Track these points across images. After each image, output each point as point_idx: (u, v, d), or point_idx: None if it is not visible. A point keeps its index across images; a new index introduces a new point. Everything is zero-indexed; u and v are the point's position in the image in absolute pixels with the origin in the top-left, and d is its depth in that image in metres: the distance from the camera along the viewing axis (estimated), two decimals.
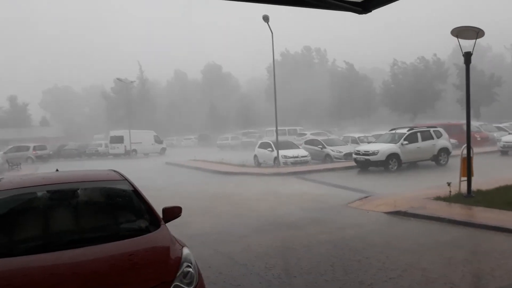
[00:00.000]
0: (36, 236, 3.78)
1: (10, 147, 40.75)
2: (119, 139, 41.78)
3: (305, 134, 36.61)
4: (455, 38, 10.34)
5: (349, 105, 61.14)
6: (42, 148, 40.93)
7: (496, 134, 28.05)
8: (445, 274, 5.49)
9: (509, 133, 25.05)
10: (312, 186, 14.98)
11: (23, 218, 3.99)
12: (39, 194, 4.23)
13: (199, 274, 3.58)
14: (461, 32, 10.17)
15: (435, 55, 60.02)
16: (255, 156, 24.59)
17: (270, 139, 28.40)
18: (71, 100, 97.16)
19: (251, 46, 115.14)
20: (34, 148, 39.71)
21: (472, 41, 10.30)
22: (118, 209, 4.45)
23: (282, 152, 22.19)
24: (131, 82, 57.12)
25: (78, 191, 4.36)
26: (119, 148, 41.55)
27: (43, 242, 3.68)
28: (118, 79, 51.75)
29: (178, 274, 3.33)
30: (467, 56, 10.34)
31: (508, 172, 14.24)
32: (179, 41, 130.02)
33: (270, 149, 23.21)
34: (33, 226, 3.91)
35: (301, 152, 22.82)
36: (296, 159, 22.01)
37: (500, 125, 32.62)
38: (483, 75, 49.96)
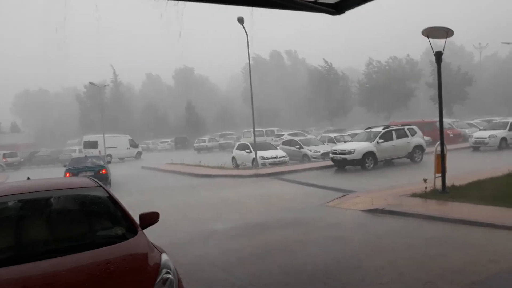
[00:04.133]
0: (8, 248, 3.66)
1: None
2: (93, 144, 40.91)
3: (282, 135, 36.76)
4: (427, 38, 10.57)
5: (325, 105, 61.71)
6: (13, 155, 39.78)
7: (468, 131, 28.84)
8: (422, 270, 5.58)
9: (480, 129, 25.80)
10: (291, 187, 15.03)
11: None
12: (10, 204, 4.08)
13: (179, 280, 3.53)
14: (431, 32, 10.40)
15: (407, 55, 61.32)
16: (233, 158, 24.53)
17: (248, 140, 28.39)
18: (43, 105, 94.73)
19: (228, 47, 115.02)
20: (4, 156, 38.51)
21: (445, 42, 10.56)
22: (94, 216, 4.34)
23: (260, 153, 22.20)
24: (105, 86, 56.18)
25: (52, 199, 4.23)
26: (93, 153, 40.70)
27: (15, 254, 3.56)
28: (90, 83, 50.78)
29: (157, 281, 3.27)
30: (438, 56, 10.59)
31: (480, 167, 14.65)
32: (153, 44, 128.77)
33: (248, 150, 23.19)
34: (4, 237, 3.78)
35: (279, 153, 22.89)
36: (274, 160, 22.05)
37: (472, 122, 33.58)
38: (456, 73, 51.27)
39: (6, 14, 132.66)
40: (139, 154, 43.87)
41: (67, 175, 18.35)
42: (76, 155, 42.16)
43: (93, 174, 18.00)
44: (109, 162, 22.34)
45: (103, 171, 18.65)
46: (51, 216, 4.14)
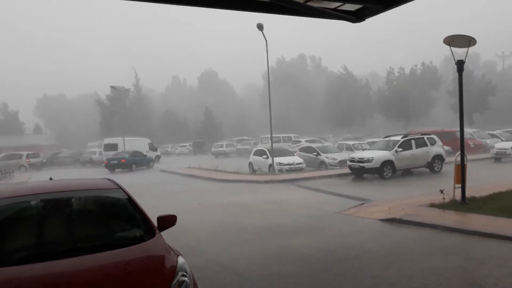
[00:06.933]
0: (29, 246, 3.74)
1: (2, 155, 40.39)
2: (113, 147, 41.40)
3: (299, 141, 36.65)
4: (448, 47, 10.44)
5: (344, 112, 61.34)
6: (35, 156, 40.57)
7: (489, 141, 28.27)
8: (439, 282, 5.50)
9: (502, 140, 25.26)
10: (307, 194, 14.98)
11: (16, 227, 3.94)
12: (33, 203, 4.19)
13: (195, 283, 3.57)
14: (453, 41, 10.27)
15: (430, 62, 60.51)
16: (250, 163, 24.57)
17: (265, 146, 28.40)
18: (65, 107, 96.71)
19: (248, 52, 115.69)
20: (27, 156, 39.31)
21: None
22: (113, 217, 4.42)
23: (277, 160, 22.19)
24: (126, 90, 56.98)
25: (72, 199, 4.32)
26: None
27: (36, 252, 3.64)
28: (112, 86, 51.62)
29: (173, 283, 3.31)
30: (460, 64, 10.43)
31: (502, 179, 14.33)
32: (176, 48, 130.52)
33: (265, 156, 23.20)
34: (26, 235, 3.86)
35: (296, 159, 22.83)
36: (291, 166, 22.01)
37: (493, 132, 32.89)
38: (478, 82, 50.40)
39: (25, 17, 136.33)
40: (157, 157, 44.27)
41: (105, 162, 33.50)
42: (96, 157, 43.22)
43: (117, 162, 32.17)
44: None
45: (123, 160, 32.02)
46: (72, 216, 4.23)
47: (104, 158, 39.91)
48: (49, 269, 3.23)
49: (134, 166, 32.65)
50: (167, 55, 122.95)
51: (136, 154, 34.31)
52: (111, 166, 32.22)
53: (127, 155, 32.79)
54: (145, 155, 36.73)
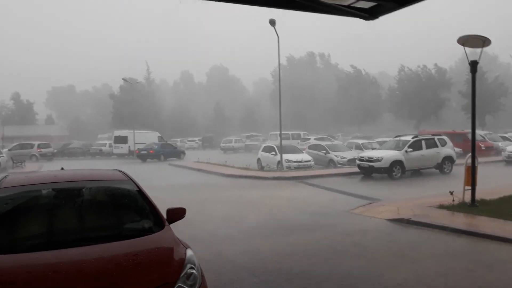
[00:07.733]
0: (40, 234, 3.79)
1: (14, 144, 40.85)
2: (123, 139, 41.73)
3: (309, 139, 36.59)
4: (461, 47, 10.32)
5: (354, 110, 60.99)
6: (47, 146, 40.95)
7: (501, 144, 27.95)
8: (447, 284, 5.47)
9: None
10: (315, 191, 14.96)
11: (28, 215, 4.00)
12: (44, 192, 4.24)
13: (202, 276, 3.59)
14: (467, 41, 10.14)
15: (435, 65, 59.74)
16: (259, 159, 24.58)
17: (273, 143, 28.37)
18: (75, 99, 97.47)
19: (258, 49, 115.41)
20: (39, 146, 39.68)
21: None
22: (123, 209, 4.45)
23: (286, 156, 22.17)
24: (137, 82, 57.15)
25: (83, 190, 4.37)
26: (123, 148, 41.51)
27: (47, 240, 3.70)
28: (123, 79, 51.85)
29: (181, 275, 3.33)
30: (473, 65, 10.31)
31: None
32: (187, 42, 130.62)
33: (273, 153, 23.19)
34: (37, 223, 3.92)
35: (304, 156, 22.79)
36: (299, 163, 21.98)
37: (505, 135, 32.51)
38: (490, 84, 49.77)
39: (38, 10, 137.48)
40: None
41: (137, 151, 36.26)
42: (106, 148, 43.72)
43: (146, 152, 34.85)
44: None
45: (151, 151, 34.85)
46: (82, 206, 4.27)
47: (113, 150, 41.40)
48: (60, 257, 3.27)
49: (162, 157, 34.93)
50: (177, 51, 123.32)
51: (165, 146, 37.56)
52: (142, 156, 35.26)
53: (156, 147, 35.93)
54: (176, 147, 39.78)
